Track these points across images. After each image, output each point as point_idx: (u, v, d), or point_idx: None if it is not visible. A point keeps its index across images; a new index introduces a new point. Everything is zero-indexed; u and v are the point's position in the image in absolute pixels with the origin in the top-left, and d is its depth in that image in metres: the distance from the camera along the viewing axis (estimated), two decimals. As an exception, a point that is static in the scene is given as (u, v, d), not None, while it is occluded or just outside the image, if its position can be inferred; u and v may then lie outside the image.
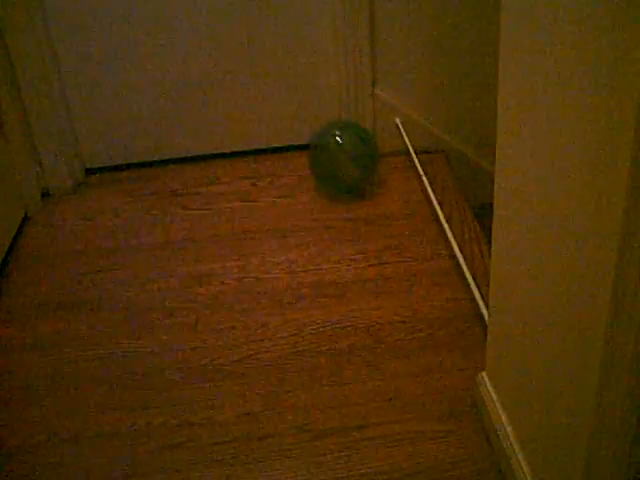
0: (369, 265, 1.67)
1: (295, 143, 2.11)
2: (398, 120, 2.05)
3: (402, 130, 2.04)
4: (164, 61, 1.98)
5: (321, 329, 1.51)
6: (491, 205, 2.00)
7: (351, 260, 1.69)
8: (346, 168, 1.88)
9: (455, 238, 1.71)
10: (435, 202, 1.83)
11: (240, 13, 1.94)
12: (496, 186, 1.14)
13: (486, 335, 1.29)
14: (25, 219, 1.91)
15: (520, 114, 0.99)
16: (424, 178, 1.91)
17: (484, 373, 1.30)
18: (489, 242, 1.77)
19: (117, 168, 2.11)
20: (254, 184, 2.00)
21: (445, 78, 2.00)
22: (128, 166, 2.11)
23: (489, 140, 2.04)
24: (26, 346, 1.52)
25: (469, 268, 1.61)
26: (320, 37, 1.99)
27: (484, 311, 1.48)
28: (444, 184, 1.96)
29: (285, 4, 1.94)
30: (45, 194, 2.01)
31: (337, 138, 1.88)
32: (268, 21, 1.96)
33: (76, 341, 1.52)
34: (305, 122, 2.07)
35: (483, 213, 1.91)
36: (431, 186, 1.90)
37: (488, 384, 1.28)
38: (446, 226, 1.74)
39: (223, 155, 2.12)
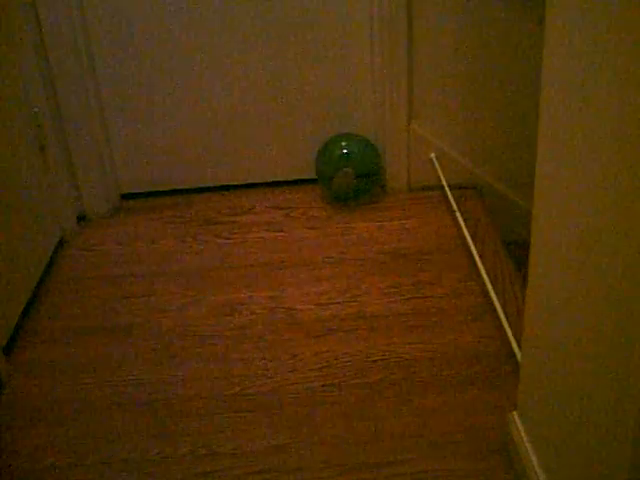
0: (401, 299, 1.67)
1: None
2: (433, 155, 2.05)
3: (437, 165, 2.05)
4: (202, 91, 2.02)
5: (352, 362, 1.50)
6: (524, 242, 2.00)
7: (383, 294, 1.69)
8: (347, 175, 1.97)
9: (488, 275, 1.70)
10: (468, 238, 1.82)
11: (275, 46, 1.97)
12: (533, 226, 1.13)
13: (518, 374, 1.28)
14: (61, 242, 1.94)
15: (560, 155, 0.99)
16: (458, 214, 1.91)
17: (515, 413, 1.29)
18: (522, 280, 1.78)
19: (152, 194, 2.13)
20: (287, 215, 2.01)
21: (480, 114, 2.00)
22: (163, 193, 2.14)
23: (523, 176, 2.05)
24: (56, 369, 1.53)
25: (501, 306, 1.60)
26: (357, 70, 2.01)
27: (516, 350, 1.47)
28: (477, 220, 1.96)
29: (322, 38, 1.96)
30: (81, 218, 2.03)
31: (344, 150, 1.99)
32: (304, 54, 1.98)
33: (106, 366, 1.53)
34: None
35: (516, 249, 1.91)
36: (464, 221, 1.89)
37: (519, 424, 1.26)
38: (479, 262, 1.74)
39: (257, 185, 2.14)
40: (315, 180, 2.11)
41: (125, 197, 2.13)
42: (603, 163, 0.84)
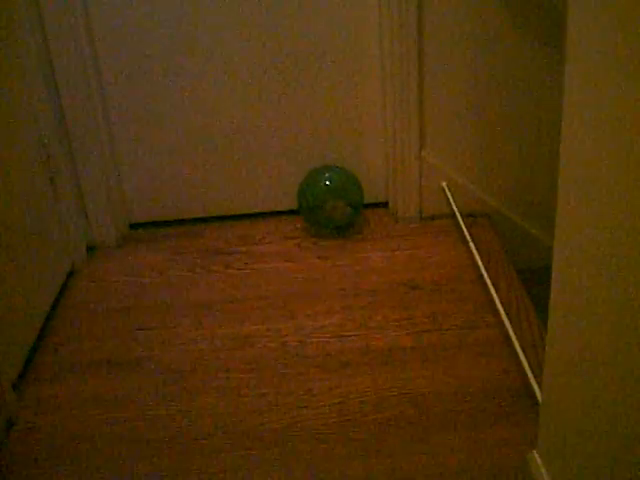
0: (415, 332, 1.65)
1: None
2: (444, 183, 2.04)
3: (448, 193, 2.03)
4: (211, 121, 2.01)
5: (366, 397, 1.48)
6: (535, 269, 1.98)
7: (397, 326, 1.66)
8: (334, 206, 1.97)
9: (502, 305, 1.68)
10: (482, 268, 1.80)
11: (286, 74, 1.96)
12: (554, 266, 1.12)
13: (535, 408, 1.25)
14: (71, 273, 1.92)
15: (583, 192, 0.97)
16: (471, 244, 1.89)
17: (535, 452, 1.26)
18: (536, 310, 1.76)
19: (162, 224, 2.12)
20: (298, 244, 1.99)
21: (491, 143, 1.99)
22: (173, 222, 2.12)
23: (532, 204, 2.04)
24: (66, 405, 1.51)
25: (517, 338, 1.58)
26: (368, 99, 2.00)
27: (534, 384, 1.44)
28: (490, 248, 1.94)
29: (333, 65, 1.96)
30: (90, 248, 2.02)
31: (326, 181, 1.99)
32: (316, 83, 1.98)
33: (117, 401, 1.51)
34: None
35: (529, 278, 1.89)
36: (477, 250, 1.88)
37: (540, 464, 1.23)
38: (494, 293, 1.71)
39: (267, 214, 2.12)
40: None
41: (134, 227, 2.12)
42: (628, 200, 0.82)
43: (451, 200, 2.03)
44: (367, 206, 2.12)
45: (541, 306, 1.79)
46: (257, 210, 2.13)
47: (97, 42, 1.89)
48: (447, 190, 2.04)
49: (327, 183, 1.99)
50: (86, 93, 1.87)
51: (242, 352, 1.62)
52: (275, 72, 1.96)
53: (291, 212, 2.12)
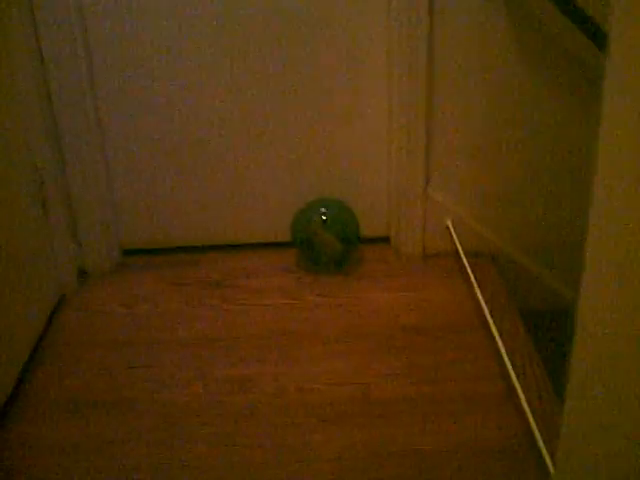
0: (417, 382, 1.59)
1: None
2: (449, 221, 1.98)
3: (452, 232, 1.98)
4: (209, 148, 1.95)
5: (366, 453, 1.41)
6: (540, 312, 1.93)
7: (398, 375, 1.60)
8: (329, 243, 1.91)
9: (507, 354, 1.63)
10: (487, 313, 1.75)
11: (288, 103, 1.91)
12: (578, 332, 1.06)
13: (542, 470, 1.20)
14: (61, 300, 1.85)
15: (614, 250, 0.92)
16: (475, 287, 1.84)
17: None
18: (542, 359, 1.70)
19: (156, 251, 2.06)
20: (298, 279, 1.93)
21: (498, 182, 1.94)
22: (168, 250, 2.06)
23: (537, 244, 1.99)
24: (51, 449, 1.43)
25: (523, 391, 1.53)
26: (373, 130, 1.94)
27: (540, 444, 1.39)
28: (494, 291, 1.88)
29: (339, 95, 1.90)
30: (82, 273, 1.95)
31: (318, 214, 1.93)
32: (320, 111, 1.92)
33: (105, 447, 1.44)
34: (362, 218, 2.02)
35: (532, 320, 1.83)
36: (481, 293, 1.82)
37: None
38: (498, 341, 1.66)
39: (268, 245, 2.06)
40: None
41: (128, 253, 2.05)
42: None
43: (455, 239, 1.98)
44: (367, 241, 2.06)
45: (545, 351, 1.75)
46: (256, 240, 2.07)
47: (95, 64, 1.83)
48: (452, 228, 1.99)
49: (318, 216, 1.93)
50: (82, 116, 1.81)
51: (237, 397, 1.55)
52: (277, 101, 1.90)
53: (291, 244, 2.06)
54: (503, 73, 1.81)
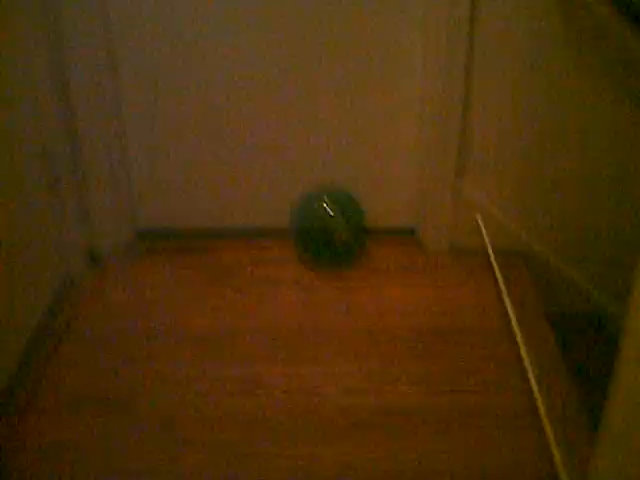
0: (435, 391, 1.49)
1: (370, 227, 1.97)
2: (479, 216, 1.87)
3: (482, 227, 1.87)
4: (233, 125, 1.84)
5: (377, 470, 1.33)
6: (571, 315, 1.81)
7: (415, 382, 1.51)
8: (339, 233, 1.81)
9: (532, 366, 1.53)
10: (513, 318, 1.65)
11: (315, 82, 1.80)
12: (623, 356, 0.95)
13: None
14: (68, 285, 1.78)
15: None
16: (503, 288, 1.73)
17: None
18: (570, 369, 1.60)
19: (170, 234, 1.97)
20: (314, 270, 1.84)
21: (534, 179, 1.81)
22: (182, 233, 1.97)
23: (571, 245, 1.87)
24: (46, 451, 1.37)
25: (547, 409, 1.43)
26: (405, 121, 1.82)
27: (561, 471, 1.30)
28: (523, 293, 1.77)
29: (369, 75, 1.79)
30: (92, 257, 1.88)
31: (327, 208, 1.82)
32: (348, 90, 1.81)
33: (103, 450, 1.37)
34: (378, 205, 1.92)
35: (561, 323, 1.73)
36: (508, 294, 1.72)
37: None
38: (523, 352, 1.56)
39: (287, 231, 1.96)
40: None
41: (141, 235, 1.97)
42: None
43: (485, 235, 1.86)
44: (390, 231, 1.96)
45: (573, 358, 1.65)
46: (275, 226, 1.97)
47: (116, 45, 1.73)
48: (481, 224, 1.87)
49: (328, 203, 1.83)
50: (98, 87, 1.72)
51: (243, 400, 1.47)
52: (307, 92, 1.79)
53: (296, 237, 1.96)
54: (554, 72, 1.67)
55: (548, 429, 1.38)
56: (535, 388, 1.47)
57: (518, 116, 1.74)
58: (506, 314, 1.68)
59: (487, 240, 1.86)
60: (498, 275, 1.78)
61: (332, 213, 1.80)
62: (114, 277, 1.83)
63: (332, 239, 1.81)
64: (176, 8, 1.70)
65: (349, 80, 1.79)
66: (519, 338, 1.60)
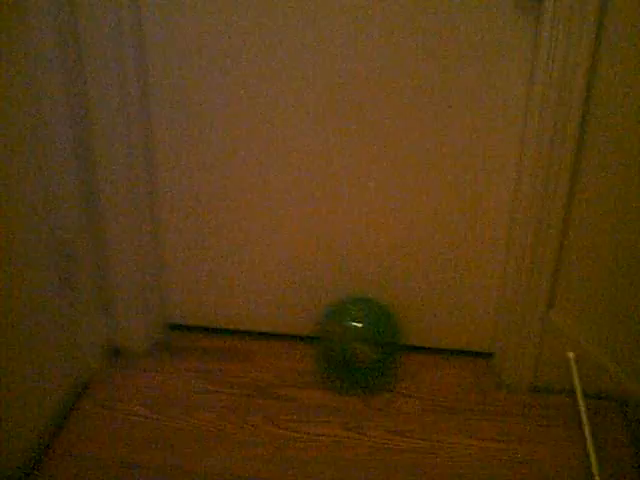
0: None
1: (435, 346, 1.66)
2: (571, 355, 1.54)
3: (574, 367, 1.54)
4: (277, 227, 1.57)
5: None
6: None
7: None
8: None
9: None
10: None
11: (396, 173, 1.50)
12: None
13: None
14: (85, 387, 1.54)
15: None
16: (591, 448, 1.41)
17: None
18: None
19: (204, 330, 1.71)
20: (366, 401, 1.54)
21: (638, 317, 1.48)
22: (217, 331, 1.71)
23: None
24: None
25: None
26: (495, 228, 1.51)
27: None
28: (616, 449, 1.44)
29: (459, 188, 1.48)
30: (115, 352, 1.64)
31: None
32: (443, 188, 1.51)
33: None
34: (457, 325, 1.62)
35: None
36: (596, 450, 1.40)
37: None
38: None
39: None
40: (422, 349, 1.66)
41: (172, 329, 1.71)
42: None
43: (575, 375, 1.54)
44: (462, 353, 1.66)
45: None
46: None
47: (152, 108, 1.48)
48: (573, 363, 1.54)
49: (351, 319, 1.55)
50: (127, 172, 1.47)
51: None
52: (370, 169, 1.50)
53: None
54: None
55: None
56: None
57: (630, 244, 1.41)
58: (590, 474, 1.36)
59: (577, 383, 1.53)
60: (585, 426, 1.45)
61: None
62: (133, 383, 1.57)
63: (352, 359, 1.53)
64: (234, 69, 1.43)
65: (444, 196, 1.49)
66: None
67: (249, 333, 1.70)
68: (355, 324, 1.54)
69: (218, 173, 1.52)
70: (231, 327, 1.71)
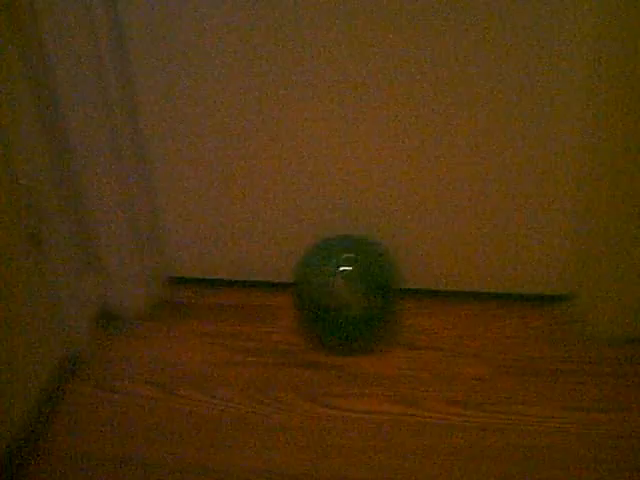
0: None
1: (488, 290, 1.35)
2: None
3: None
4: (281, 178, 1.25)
5: None
6: None
7: None
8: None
9: None
10: None
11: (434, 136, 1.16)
12: None
13: None
14: (73, 361, 1.25)
15: None
16: None
17: None
18: None
19: (214, 282, 1.40)
20: (423, 364, 1.23)
21: None
22: (225, 284, 1.40)
23: None
24: None
25: None
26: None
27: None
28: None
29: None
30: (110, 316, 1.33)
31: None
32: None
33: None
34: (518, 263, 1.30)
35: None
36: None
37: None
38: None
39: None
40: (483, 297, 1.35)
41: (174, 283, 1.41)
42: None
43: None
44: (525, 299, 1.35)
45: None
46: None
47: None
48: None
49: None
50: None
51: None
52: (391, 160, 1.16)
53: (426, 293, 1.36)
54: None
55: None
56: None
57: None
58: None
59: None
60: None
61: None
62: (133, 355, 1.28)
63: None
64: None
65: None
66: None
67: (266, 284, 1.39)
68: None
69: (217, 107, 1.19)
70: (244, 279, 1.39)
